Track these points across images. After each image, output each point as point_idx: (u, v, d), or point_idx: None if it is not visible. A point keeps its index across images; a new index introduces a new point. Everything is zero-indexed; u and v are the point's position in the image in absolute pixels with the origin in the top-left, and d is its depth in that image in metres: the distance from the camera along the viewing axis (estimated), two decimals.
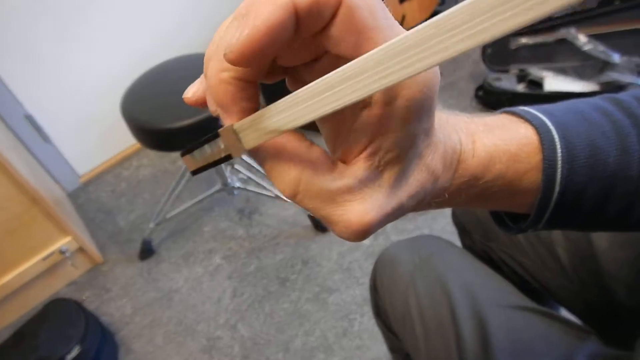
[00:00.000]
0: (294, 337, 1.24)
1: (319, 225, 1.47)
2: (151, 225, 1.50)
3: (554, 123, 0.27)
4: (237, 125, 0.21)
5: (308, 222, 1.50)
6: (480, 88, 1.72)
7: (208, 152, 0.22)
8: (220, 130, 0.21)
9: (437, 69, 0.21)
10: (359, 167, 0.22)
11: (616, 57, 1.49)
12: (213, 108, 0.22)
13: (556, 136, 0.26)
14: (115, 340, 1.34)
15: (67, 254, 1.42)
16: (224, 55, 0.18)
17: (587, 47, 1.53)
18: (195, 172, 0.24)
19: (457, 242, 0.79)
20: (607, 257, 0.55)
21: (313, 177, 0.22)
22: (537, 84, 1.57)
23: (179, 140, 1.14)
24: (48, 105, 1.68)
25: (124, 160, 1.96)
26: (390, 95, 0.20)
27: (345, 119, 0.22)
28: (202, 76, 0.23)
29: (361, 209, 0.22)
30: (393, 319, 0.65)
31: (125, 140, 1.90)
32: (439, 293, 0.58)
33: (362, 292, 1.29)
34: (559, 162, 0.26)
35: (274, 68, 0.22)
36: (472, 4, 0.15)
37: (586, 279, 0.58)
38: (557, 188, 0.26)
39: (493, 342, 0.51)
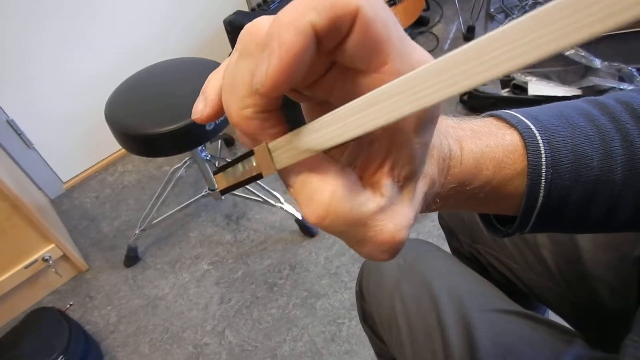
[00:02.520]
0: (282, 342, 1.24)
1: (307, 230, 1.46)
2: (136, 231, 1.48)
3: (538, 128, 0.27)
4: (272, 144, 0.21)
5: (295, 227, 1.50)
6: (465, 92, 1.73)
7: (240, 170, 0.23)
8: (255, 148, 0.21)
9: None
10: (386, 185, 0.21)
11: (597, 63, 1.52)
12: (243, 140, 0.22)
13: (541, 141, 0.27)
14: (99, 350, 1.32)
15: (50, 262, 1.39)
16: (256, 91, 0.18)
17: (570, 53, 1.55)
18: (223, 192, 0.25)
19: (444, 244, 0.80)
20: (591, 259, 0.55)
21: (344, 200, 0.20)
22: (521, 88, 1.59)
23: (163, 146, 1.12)
24: (31, 111, 1.65)
25: (109, 166, 1.93)
26: None
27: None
28: (201, 92, 0.23)
29: (392, 227, 0.21)
30: (379, 324, 0.65)
31: (110, 145, 1.88)
32: (425, 298, 0.58)
33: (350, 296, 1.29)
34: (544, 167, 0.26)
35: None
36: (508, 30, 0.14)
37: (571, 280, 0.58)
38: (541, 192, 0.27)
39: (479, 346, 0.51)
